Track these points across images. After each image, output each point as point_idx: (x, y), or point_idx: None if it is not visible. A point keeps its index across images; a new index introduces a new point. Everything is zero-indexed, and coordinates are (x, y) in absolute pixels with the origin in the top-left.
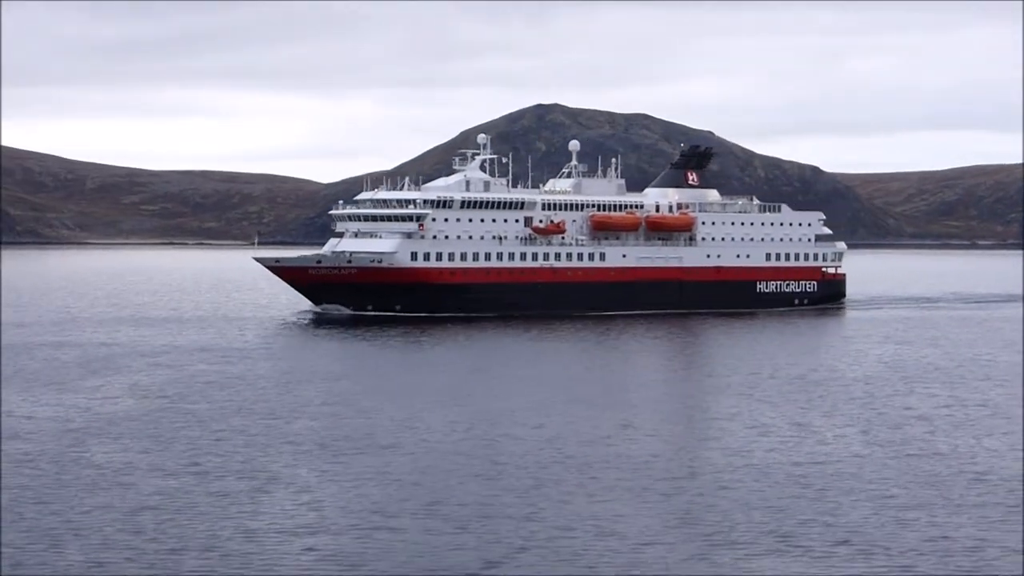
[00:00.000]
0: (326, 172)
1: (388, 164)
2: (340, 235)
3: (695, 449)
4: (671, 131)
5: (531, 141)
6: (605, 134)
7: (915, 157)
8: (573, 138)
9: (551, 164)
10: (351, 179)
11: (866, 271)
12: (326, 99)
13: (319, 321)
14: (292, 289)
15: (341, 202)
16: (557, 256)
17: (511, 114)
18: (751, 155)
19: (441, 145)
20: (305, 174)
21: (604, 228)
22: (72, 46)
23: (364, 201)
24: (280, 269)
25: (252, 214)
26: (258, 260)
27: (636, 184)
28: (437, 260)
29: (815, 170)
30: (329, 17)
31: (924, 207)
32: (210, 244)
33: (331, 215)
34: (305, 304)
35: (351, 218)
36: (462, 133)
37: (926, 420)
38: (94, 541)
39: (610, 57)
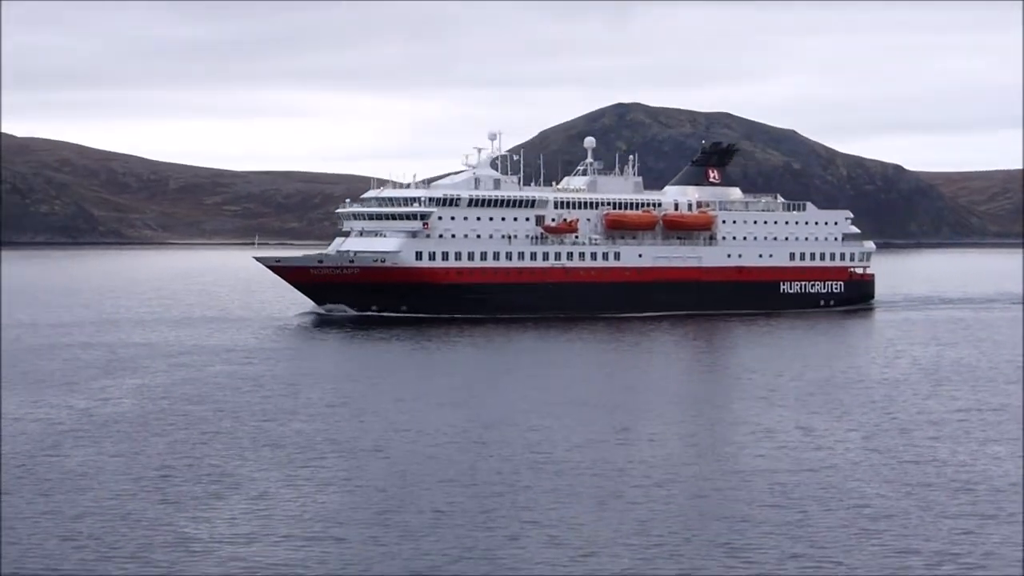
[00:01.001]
0: (406, 172)
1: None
2: (347, 234)
3: (684, 455)
4: (753, 130)
5: (611, 141)
6: (686, 133)
7: (999, 155)
8: (654, 137)
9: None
10: (431, 179)
11: (936, 271)
12: (408, 99)
13: (321, 322)
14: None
15: (348, 200)
16: (569, 256)
17: (590, 113)
18: (833, 154)
19: (520, 145)
20: (386, 174)
21: (619, 227)
22: (157, 47)
23: (370, 200)
24: (281, 269)
25: (334, 214)
26: (259, 260)
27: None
28: (443, 260)
29: (898, 168)
30: (414, 17)
31: (1008, 206)
32: (292, 244)
33: (337, 213)
34: (308, 304)
35: (356, 217)
36: (541, 133)
37: (937, 425)
38: (21, 547)
39: (692, 55)
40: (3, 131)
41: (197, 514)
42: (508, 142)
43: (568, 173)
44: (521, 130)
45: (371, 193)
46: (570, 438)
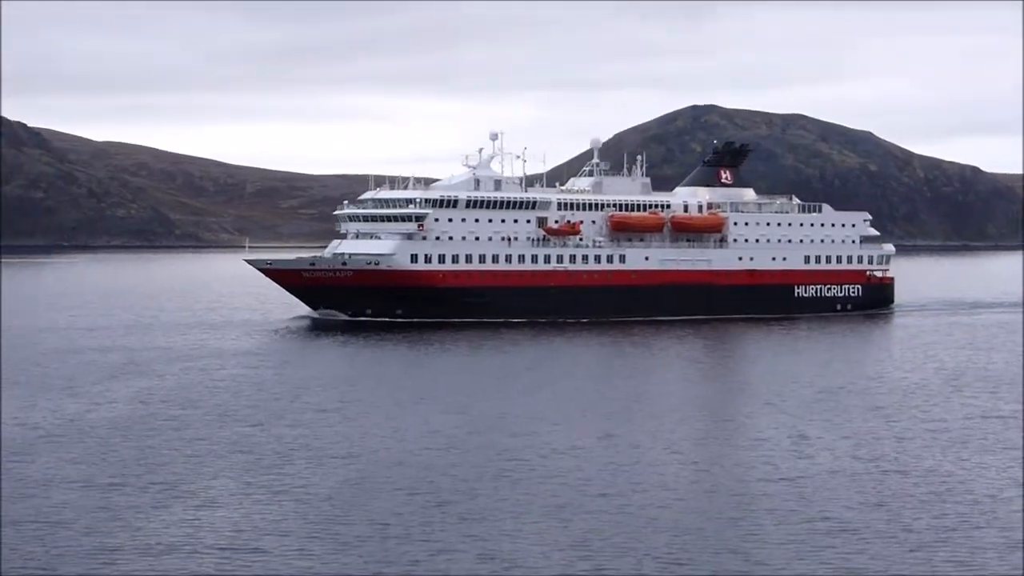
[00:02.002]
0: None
1: (544, 167)
2: (344, 236)
3: (661, 463)
4: (829, 132)
5: (686, 143)
6: (761, 135)
7: None
8: (729, 139)
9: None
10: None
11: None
12: (484, 102)
13: (315, 327)
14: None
15: (346, 202)
16: (572, 258)
17: (666, 115)
18: (910, 155)
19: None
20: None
21: (624, 229)
22: (234, 51)
23: (366, 201)
24: (273, 272)
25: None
26: (250, 263)
27: (793, 186)
28: (440, 262)
29: (975, 170)
30: (491, 20)
31: None
32: None
33: (334, 215)
34: (302, 309)
35: (351, 218)
36: (616, 135)
37: (934, 433)
38: None
39: (768, 57)
40: (81, 136)
41: (130, 523)
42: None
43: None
44: (597, 131)
45: (368, 194)
46: (552, 445)
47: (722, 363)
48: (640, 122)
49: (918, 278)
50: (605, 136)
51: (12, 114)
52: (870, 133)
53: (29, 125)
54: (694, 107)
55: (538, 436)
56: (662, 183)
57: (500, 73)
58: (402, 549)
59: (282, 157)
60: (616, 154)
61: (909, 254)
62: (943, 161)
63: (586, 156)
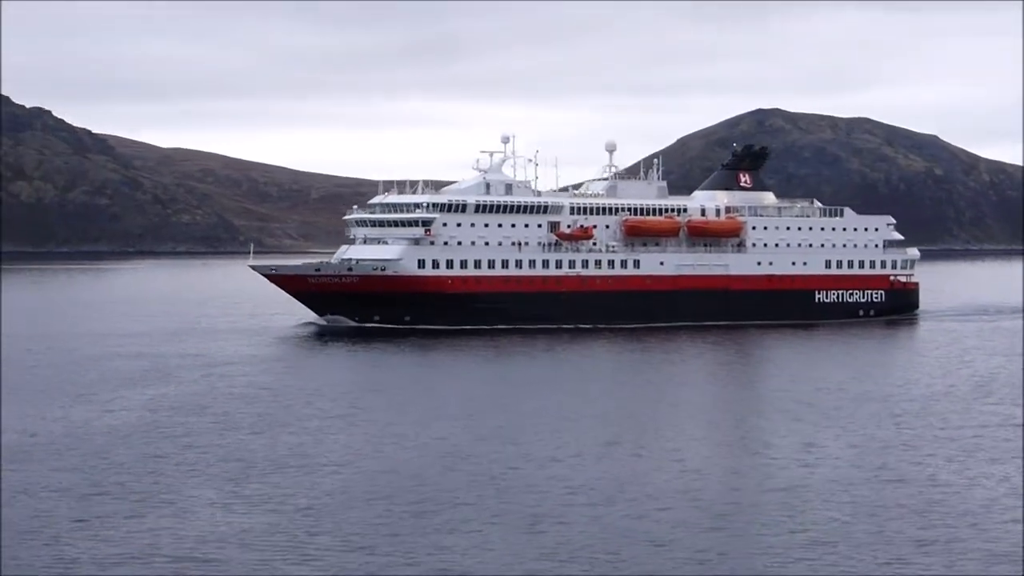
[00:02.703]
0: (549, 180)
1: (607, 171)
2: (353, 241)
3: (653, 471)
4: (894, 135)
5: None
6: (826, 139)
7: None
8: (794, 143)
9: (770, 170)
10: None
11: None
12: (549, 108)
13: (322, 333)
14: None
15: (355, 207)
16: (584, 263)
17: (729, 119)
18: (976, 159)
19: (659, 151)
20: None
21: (638, 233)
22: (299, 58)
23: (374, 206)
24: (277, 278)
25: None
26: (254, 268)
27: (858, 191)
28: (447, 268)
29: None
30: (555, 24)
31: None
32: None
33: (344, 220)
34: (307, 315)
35: (359, 223)
36: (679, 140)
37: (944, 441)
38: None
39: (832, 60)
40: (148, 142)
41: (96, 532)
42: (647, 148)
43: (706, 179)
44: (661, 136)
45: (376, 199)
46: (552, 453)
47: (739, 370)
48: (704, 126)
49: (967, 282)
50: (668, 140)
51: (77, 121)
52: (935, 137)
53: (94, 132)
54: (758, 111)
55: (540, 444)
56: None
57: (561, 77)
58: (362, 560)
59: (348, 163)
60: (680, 158)
61: (974, 258)
62: (1009, 164)
63: (647, 162)
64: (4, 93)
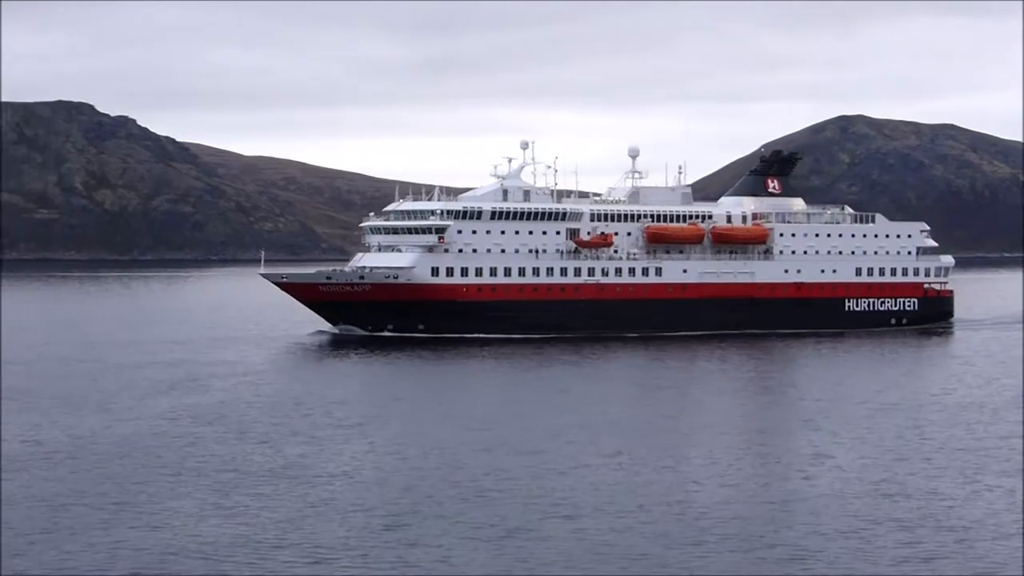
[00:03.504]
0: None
1: (690, 178)
2: (369, 249)
3: (650, 484)
4: (979, 141)
5: (834, 153)
6: (910, 145)
7: None
8: (878, 150)
9: (854, 176)
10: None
11: None
12: (630, 115)
13: (336, 342)
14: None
15: (371, 214)
16: (604, 271)
17: (814, 126)
18: None
19: (742, 159)
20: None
21: (661, 240)
22: (381, 66)
23: (389, 213)
24: (289, 286)
25: None
26: (265, 276)
27: (943, 197)
28: (462, 275)
29: None
30: (637, 31)
31: None
32: None
33: (360, 227)
34: (320, 324)
35: (373, 231)
36: (763, 146)
37: (961, 452)
38: None
39: (917, 67)
40: (232, 150)
41: (59, 545)
42: (729, 155)
43: (791, 186)
44: (744, 142)
45: (391, 206)
46: (554, 464)
47: (765, 379)
48: (787, 133)
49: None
50: (752, 147)
51: (161, 129)
52: (1021, 143)
53: (178, 140)
54: (841, 117)
55: (545, 454)
56: (808, 194)
57: (645, 84)
58: (318, 573)
59: (429, 171)
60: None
61: None
62: None
63: (734, 167)
64: (89, 102)
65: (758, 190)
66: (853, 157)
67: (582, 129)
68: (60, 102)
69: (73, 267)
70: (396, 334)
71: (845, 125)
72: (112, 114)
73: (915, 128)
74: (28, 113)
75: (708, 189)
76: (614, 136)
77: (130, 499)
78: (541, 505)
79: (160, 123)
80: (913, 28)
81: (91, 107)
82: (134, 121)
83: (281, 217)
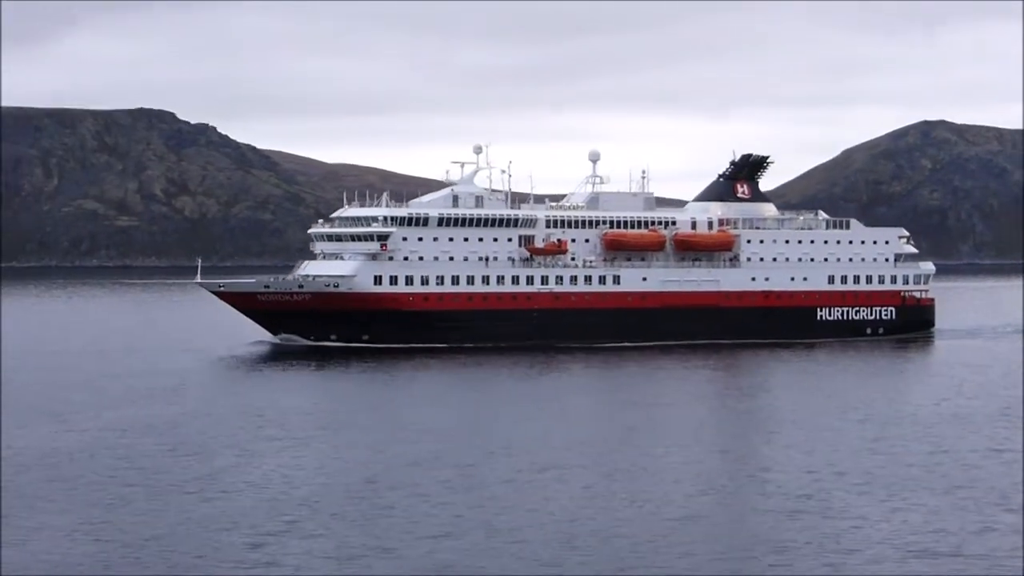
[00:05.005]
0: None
1: (770, 184)
2: (315, 257)
3: (572, 499)
4: None
5: (915, 159)
6: (993, 150)
7: None
8: (960, 155)
9: (936, 182)
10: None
11: None
12: (713, 120)
13: (277, 353)
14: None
15: (320, 220)
16: (559, 280)
17: (895, 131)
18: None
19: (823, 164)
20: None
21: (619, 247)
22: (459, 73)
23: (334, 219)
24: (226, 295)
25: None
26: (202, 285)
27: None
28: (406, 284)
29: None
30: (716, 38)
31: None
32: None
33: (309, 234)
34: (259, 335)
35: (318, 238)
36: (844, 152)
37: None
38: None
39: (1000, 72)
40: (312, 158)
41: None
42: (810, 161)
43: (869, 192)
44: (826, 148)
45: (337, 212)
46: (475, 479)
47: (715, 390)
48: (869, 138)
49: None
50: (833, 153)
51: (241, 136)
52: None
53: (258, 147)
54: (923, 123)
55: (473, 468)
56: (888, 199)
57: (725, 89)
58: None
59: (516, 178)
60: (845, 170)
61: None
62: None
63: (814, 173)
64: (169, 109)
65: (726, 195)
66: (935, 163)
67: (661, 135)
68: (141, 109)
69: (155, 273)
70: (340, 344)
71: (927, 130)
72: (192, 121)
73: (997, 133)
74: (109, 121)
75: (788, 196)
76: (691, 142)
77: (53, 507)
78: (424, 525)
79: (240, 131)
80: (995, 32)
81: (172, 115)
82: (214, 128)
83: None
